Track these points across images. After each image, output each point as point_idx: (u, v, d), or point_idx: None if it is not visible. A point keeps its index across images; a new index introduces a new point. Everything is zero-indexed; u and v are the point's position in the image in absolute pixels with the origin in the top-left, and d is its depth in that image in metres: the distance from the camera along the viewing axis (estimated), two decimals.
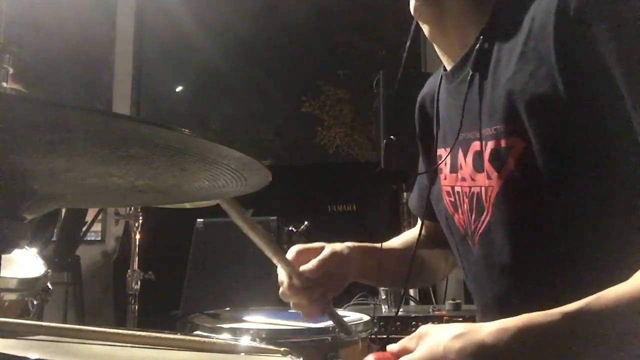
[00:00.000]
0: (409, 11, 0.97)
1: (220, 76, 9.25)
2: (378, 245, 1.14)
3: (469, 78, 0.88)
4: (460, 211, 0.94)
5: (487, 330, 0.69)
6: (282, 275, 0.97)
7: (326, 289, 0.97)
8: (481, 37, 0.87)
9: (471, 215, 0.91)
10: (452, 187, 0.96)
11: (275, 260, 0.95)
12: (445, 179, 0.98)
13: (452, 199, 0.96)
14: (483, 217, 0.88)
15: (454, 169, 0.94)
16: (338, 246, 1.02)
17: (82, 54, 4.16)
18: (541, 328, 0.67)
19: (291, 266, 0.95)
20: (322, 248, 1.00)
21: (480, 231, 0.89)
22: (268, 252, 0.93)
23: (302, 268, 0.96)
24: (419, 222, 1.25)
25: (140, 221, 2.01)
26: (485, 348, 0.67)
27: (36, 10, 3.51)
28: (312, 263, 0.96)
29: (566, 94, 0.74)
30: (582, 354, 0.67)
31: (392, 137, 1.10)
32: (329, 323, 1.01)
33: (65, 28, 3.90)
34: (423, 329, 0.74)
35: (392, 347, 0.76)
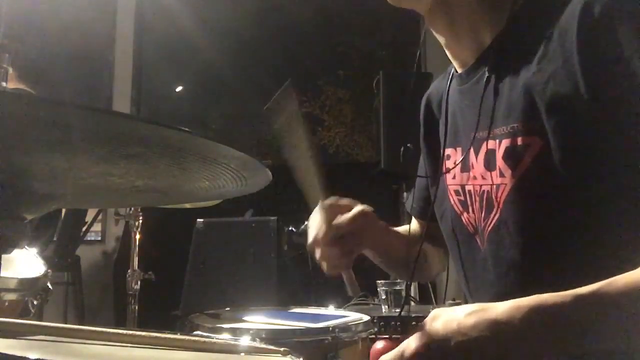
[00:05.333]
0: (410, 11, 0.97)
1: (220, 76, 9.25)
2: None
3: (485, 79, 0.89)
4: (470, 209, 0.95)
5: (500, 308, 0.69)
6: (314, 224, 1.00)
7: (353, 244, 1.01)
8: (498, 39, 0.88)
9: (482, 213, 0.91)
10: (462, 186, 0.96)
11: (318, 203, 0.98)
12: (454, 178, 0.99)
13: (462, 198, 0.97)
14: (492, 214, 0.89)
15: (466, 168, 0.95)
16: (367, 208, 1.05)
17: (82, 54, 4.15)
18: (553, 308, 0.68)
19: (330, 214, 0.98)
20: (352, 205, 1.04)
21: (490, 229, 0.90)
22: (315, 192, 0.97)
23: (336, 221, 0.99)
24: (413, 220, 1.26)
25: (140, 221, 2.00)
26: (498, 325, 0.68)
27: (36, 10, 3.51)
28: (346, 217, 1.00)
29: (588, 95, 0.74)
30: (592, 336, 0.68)
31: (409, 145, 1.11)
32: (329, 323, 1.01)
33: (65, 28, 3.90)
34: (435, 312, 0.75)
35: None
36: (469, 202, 0.95)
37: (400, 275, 1.54)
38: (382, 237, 1.12)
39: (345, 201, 1.05)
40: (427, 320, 0.74)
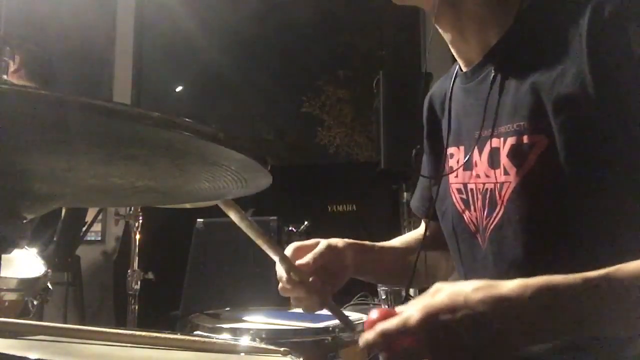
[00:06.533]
0: (410, 11, 0.97)
1: (220, 76, 9.24)
2: (377, 243, 1.17)
3: (491, 77, 0.89)
4: (472, 208, 0.95)
5: (508, 285, 0.69)
6: (280, 270, 0.99)
7: (324, 282, 0.99)
8: (506, 37, 0.88)
9: (484, 212, 0.91)
10: (465, 185, 0.96)
11: (273, 257, 0.97)
12: (456, 176, 0.99)
13: (464, 196, 0.97)
14: (495, 213, 0.89)
15: (468, 166, 0.95)
16: (333, 241, 1.04)
17: (82, 54, 4.15)
18: (561, 289, 0.67)
19: (288, 262, 0.97)
20: (317, 243, 1.03)
21: (492, 227, 0.90)
22: (267, 250, 0.95)
23: (298, 262, 0.98)
24: (422, 223, 1.26)
25: (140, 221, 2.00)
26: (506, 301, 0.67)
27: (36, 9, 3.50)
28: (308, 257, 0.99)
29: (595, 94, 0.75)
30: (597, 319, 0.68)
31: (419, 146, 1.12)
32: (329, 323, 1.01)
33: (65, 28, 3.89)
34: (438, 285, 0.73)
35: (402, 308, 0.75)
36: (471, 201, 0.95)
37: (401, 284, 1.53)
38: (365, 262, 1.09)
39: (312, 241, 1.04)
40: (430, 292, 0.73)
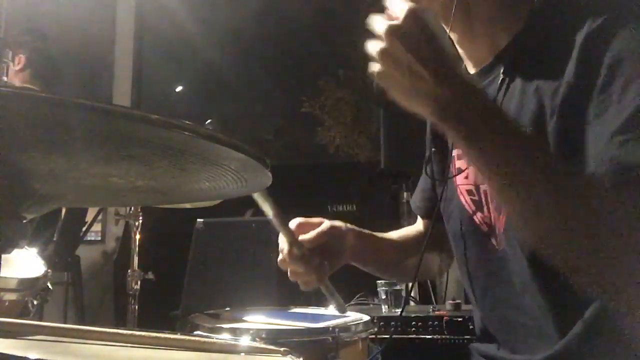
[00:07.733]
0: None
1: (220, 76, 9.25)
2: (375, 232, 1.21)
3: (499, 80, 0.89)
4: (485, 209, 0.95)
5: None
6: (282, 243, 1.03)
7: (323, 260, 1.03)
8: (516, 41, 0.89)
9: (499, 213, 0.92)
10: (477, 186, 0.96)
11: (279, 229, 1.01)
12: (466, 177, 0.98)
13: (476, 198, 0.97)
14: (502, 214, 0.90)
15: None
16: (337, 222, 1.09)
17: (82, 54, 4.15)
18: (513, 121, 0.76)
19: (292, 235, 1.01)
20: (322, 222, 1.08)
21: (503, 228, 0.91)
22: (274, 222, 0.98)
23: (302, 237, 1.03)
24: (419, 220, 1.26)
25: (140, 221, 2.00)
26: (463, 78, 0.74)
27: (36, 9, 3.51)
28: (311, 234, 1.04)
29: (578, 93, 0.76)
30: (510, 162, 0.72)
31: (434, 149, 1.14)
32: (329, 323, 1.01)
33: (65, 28, 3.89)
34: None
35: None
36: (484, 202, 0.95)
37: (395, 278, 1.54)
38: (363, 247, 1.13)
39: (315, 219, 1.08)
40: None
